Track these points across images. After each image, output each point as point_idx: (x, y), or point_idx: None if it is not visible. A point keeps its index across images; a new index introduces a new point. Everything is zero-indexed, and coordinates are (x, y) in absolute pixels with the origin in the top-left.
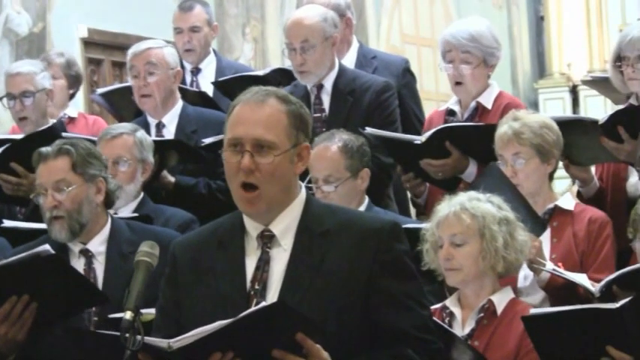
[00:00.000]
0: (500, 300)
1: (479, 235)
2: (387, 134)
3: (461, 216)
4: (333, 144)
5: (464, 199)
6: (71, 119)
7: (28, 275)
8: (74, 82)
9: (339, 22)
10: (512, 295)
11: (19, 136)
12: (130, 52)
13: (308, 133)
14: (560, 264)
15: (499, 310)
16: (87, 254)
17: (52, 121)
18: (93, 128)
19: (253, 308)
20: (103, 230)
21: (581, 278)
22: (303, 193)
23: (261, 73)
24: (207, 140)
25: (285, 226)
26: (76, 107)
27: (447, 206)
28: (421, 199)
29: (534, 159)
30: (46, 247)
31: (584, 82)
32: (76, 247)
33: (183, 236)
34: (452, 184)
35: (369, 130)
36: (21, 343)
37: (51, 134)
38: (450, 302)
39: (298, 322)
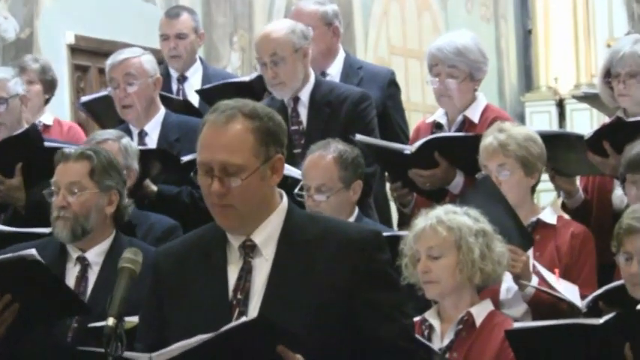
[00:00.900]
0: (479, 312)
1: (455, 248)
2: (378, 142)
3: (437, 229)
4: (328, 153)
5: (440, 212)
6: (46, 127)
7: (11, 276)
8: (49, 87)
9: (309, 34)
10: (491, 307)
11: None
12: (108, 63)
13: (281, 143)
14: (556, 270)
15: (478, 322)
16: (83, 262)
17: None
18: (68, 135)
19: (235, 323)
20: (104, 242)
21: (571, 291)
22: (284, 202)
23: (247, 78)
24: (186, 158)
25: (267, 235)
26: (62, 114)
27: (424, 220)
28: (408, 208)
29: (519, 171)
30: (32, 251)
31: (576, 97)
32: (74, 253)
33: (165, 245)
34: (439, 195)
35: (359, 137)
36: None
37: (25, 139)
38: (430, 315)
39: (279, 335)
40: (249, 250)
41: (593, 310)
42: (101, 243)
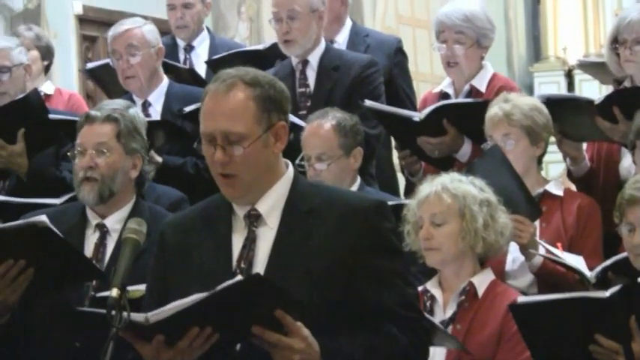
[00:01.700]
0: (481, 282)
1: (459, 215)
2: (387, 108)
3: (442, 196)
4: (326, 122)
5: (446, 179)
6: (47, 96)
7: (24, 242)
8: (46, 53)
9: (325, 1)
10: (492, 277)
11: None
12: (110, 35)
13: (284, 110)
14: (558, 244)
15: (480, 292)
16: (102, 229)
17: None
18: (68, 104)
19: (230, 281)
20: (124, 208)
21: (577, 262)
22: (290, 172)
23: (260, 47)
24: (188, 108)
25: (271, 205)
26: (70, 85)
27: (429, 186)
28: (416, 177)
29: (524, 140)
30: (43, 217)
31: (579, 66)
32: (94, 220)
33: (172, 216)
34: (447, 164)
35: (368, 103)
36: (12, 305)
37: (27, 104)
38: (431, 285)
39: (276, 296)
40: (253, 219)
41: (603, 280)
42: (121, 209)
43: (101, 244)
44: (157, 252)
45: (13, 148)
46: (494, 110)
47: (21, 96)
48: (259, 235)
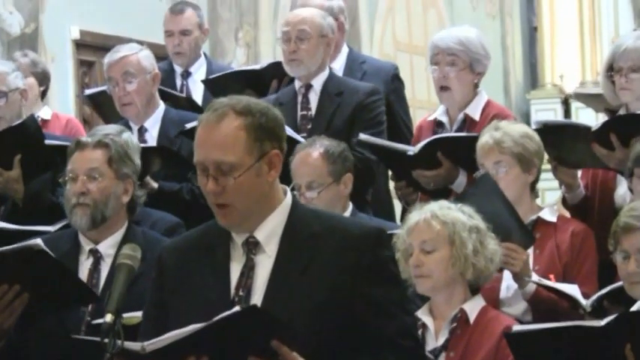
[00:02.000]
0: (472, 308)
1: (449, 242)
2: (381, 142)
3: (431, 222)
4: (314, 150)
5: (435, 206)
6: (44, 121)
7: (20, 266)
8: (42, 78)
9: (335, 30)
10: (483, 303)
11: None
12: (106, 62)
13: (278, 138)
14: (551, 276)
15: (472, 318)
16: (95, 254)
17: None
18: (66, 128)
19: (226, 312)
20: (117, 233)
21: (572, 290)
22: (288, 198)
23: (257, 67)
24: (189, 125)
25: (269, 232)
26: (67, 109)
27: (418, 214)
28: (413, 206)
29: (515, 168)
30: (38, 241)
31: (575, 96)
32: (87, 246)
33: (170, 240)
34: (443, 194)
35: (363, 137)
36: (8, 330)
37: (23, 130)
38: (422, 313)
39: (272, 327)
40: (251, 246)
41: (598, 309)
42: (114, 234)
43: (95, 270)
44: (155, 277)
45: (9, 173)
46: (485, 138)
47: (18, 122)
48: (257, 263)
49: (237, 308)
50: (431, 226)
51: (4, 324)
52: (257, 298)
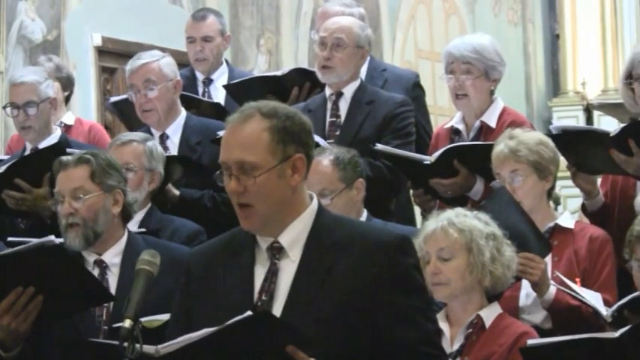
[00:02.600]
0: (489, 315)
1: (466, 250)
2: (398, 152)
3: (448, 230)
4: (324, 158)
5: (451, 214)
6: (67, 127)
7: (33, 267)
8: (67, 83)
9: (371, 42)
10: (499, 310)
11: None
12: (127, 69)
13: (303, 143)
14: (577, 280)
15: (487, 324)
16: (101, 265)
17: (55, 132)
18: (89, 135)
19: (238, 317)
20: (119, 242)
21: (594, 299)
22: (314, 204)
23: (279, 73)
24: (221, 133)
25: (294, 237)
26: (89, 116)
27: (435, 221)
28: (430, 214)
29: (532, 176)
30: (51, 237)
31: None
32: (90, 258)
33: (198, 247)
34: (460, 202)
35: (379, 146)
36: (24, 335)
37: (56, 150)
38: (438, 318)
39: (285, 332)
40: (276, 251)
41: (619, 319)
42: (115, 244)
43: (103, 280)
44: (182, 283)
45: (38, 191)
46: (500, 147)
47: (50, 144)
48: (281, 268)
49: (248, 313)
50: (448, 234)
51: (19, 328)
52: (279, 304)
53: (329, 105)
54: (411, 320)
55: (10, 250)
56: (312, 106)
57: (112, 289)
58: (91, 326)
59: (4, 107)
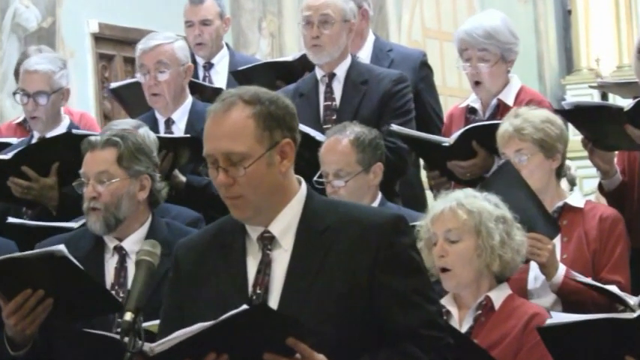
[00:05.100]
0: (498, 296)
1: (474, 232)
2: (414, 134)
3: (457, 211)
4: (344, 137)
5: (460, 195)
6: None
7: (43, 271)
8: None
9: (357, 15)
10: (509, 291)
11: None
12: (139, 48)
13: (289, 127)
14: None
15: (497, 305)
16: (121, 252)
17: (64, 122)
18: (81, 124)
19: (234, 311)
20: (141, 228)
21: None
22: (303, 190)
23: (290, 58)
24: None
25: (285, 226)
26: (87, 104)
27: (443, 202)
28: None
29: (537, 155)
30: (61, 247)
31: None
32: (111, 243)
33: (185, 238)
34: (477, 183)
35: (395, 127)
36: (31, 336)
37: (64, 140)
38: (446, 301)
39: (284, 324)
40: (267, 241)
41: None
42: (137, 230)
43: (122, 268)
44: (171, 276)
45: (46, 181)
46: (504, 126)
47: (60, 133)
48: (274, 258)
49: (244, 307)
50: (456, 215)
51: (26, 330)
52: (275, 296)
53: (322, 88)
54: (411, 303)
55: (19, 254)
56: (303, 90)
57: (130, 278)
58: (104, 319)
59: (14, 93)
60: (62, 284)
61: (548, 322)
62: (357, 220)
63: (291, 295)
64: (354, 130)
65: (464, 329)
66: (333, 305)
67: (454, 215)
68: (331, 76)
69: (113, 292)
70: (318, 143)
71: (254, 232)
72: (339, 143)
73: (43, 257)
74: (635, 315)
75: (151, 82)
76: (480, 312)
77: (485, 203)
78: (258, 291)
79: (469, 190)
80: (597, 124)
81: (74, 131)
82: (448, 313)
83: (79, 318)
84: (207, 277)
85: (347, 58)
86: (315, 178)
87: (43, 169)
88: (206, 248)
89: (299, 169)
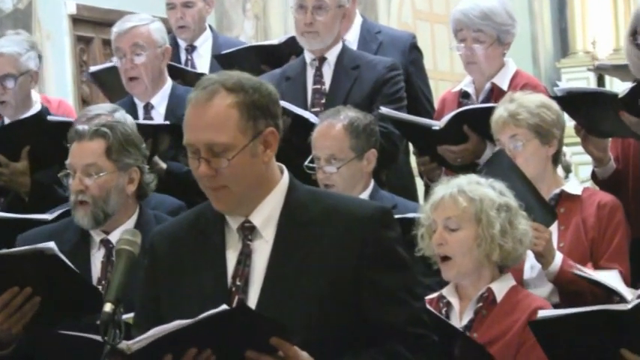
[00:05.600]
0: (501, 288)
1: (475, 220)
2: (404, 117)
3: (457, 199)
4: (337, 122)
5: (463, 181)
6: None
7: (31, 269)
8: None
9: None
10: (512, 283)
11: None
12: (114, 31)
13: (273, 115)
14: (589, 264)
15: (499, 298)
16: (107, 245)
17: (35, 105)
18: (58, 111)
19: (213, 311)
20: (128, 221)
21: (613, 280)
22: (285, 179)
23: (276, 42)
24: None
25: (266, 216)
26: (65, 88)
27: (444, 188)
28: (436, 183)
29: (533, 141)
30: (51, 244)
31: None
32: (97, 237)
33: (161, 225)
34: (468, 169)
35: (384, 110)
36: (17, 336)
37: (35, 122)
38: (447, 292)
39: (264, 325)
40: (247, 232)
41: None
42: (125, 223)
43: (108, 262)
44: (147, 265)
45: (16, 165)
46: (499, 112)
47: (30, 114)
48: (255, 249)
49: (224, 307)
50: (457, 203)
51: (12, 328)
52: (255, 288)
53: (311, 71)
54: (396, 299)
55: (6, 250)
56: (290, 73)
57: None
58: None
59: None
60: (51, 283)
61: (540, 314)
62: (342, 212)
63: (273, 287)
64: (348, 114)
65: (464, 322)
66: (316, 300)
67: (454, 202)
68: (322, 59)
69: (100, 287)
70: (312, 125)
71: (234, 221)
72: (332, 128)
73: (32, 255)
74: (629, 306)
75: (128, 65)
76: (480, 304)
77: (488, 190)
78: (238, 283)
79: (473, 176)
80: (590, 110)
81: (49, 118)
82: (449, 304)
83: (67, 317)
84: (185, 267)
85: (338, 43)
86: (306, 163)
87: (14, 155)
88: (183, 237)
89: (287, 155)
